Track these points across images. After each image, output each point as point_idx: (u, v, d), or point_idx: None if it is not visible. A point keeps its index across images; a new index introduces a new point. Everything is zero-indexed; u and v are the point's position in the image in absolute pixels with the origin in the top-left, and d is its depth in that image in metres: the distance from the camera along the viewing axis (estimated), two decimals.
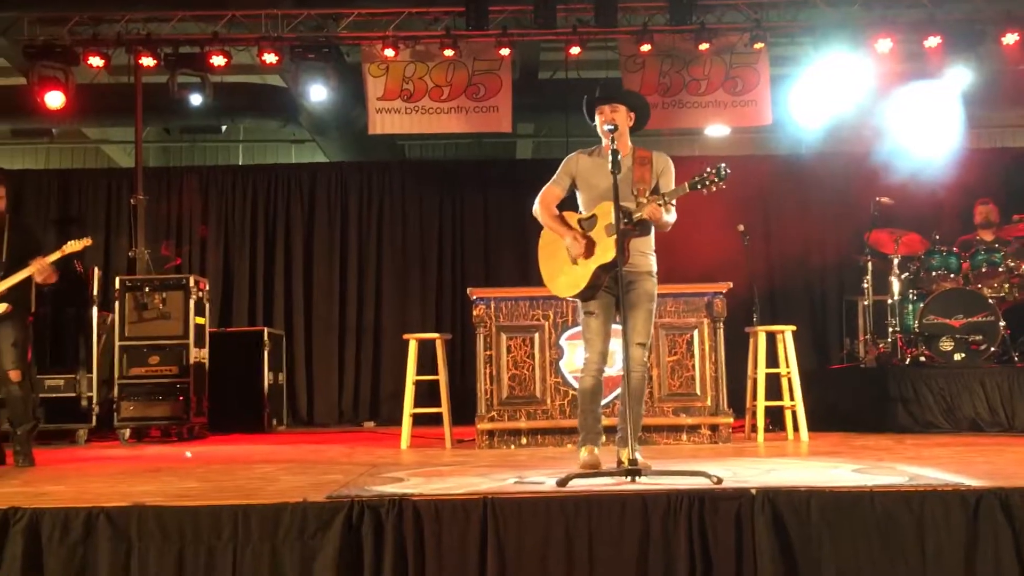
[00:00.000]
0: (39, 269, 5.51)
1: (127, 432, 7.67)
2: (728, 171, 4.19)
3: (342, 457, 5.75)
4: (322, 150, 11.69)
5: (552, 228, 4.56)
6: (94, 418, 7.73)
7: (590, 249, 4.39)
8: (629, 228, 4.33)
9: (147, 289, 7.82)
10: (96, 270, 8.05)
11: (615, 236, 4.21)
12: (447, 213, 10.51)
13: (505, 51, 8.83)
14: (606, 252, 4.34)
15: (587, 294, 4.43)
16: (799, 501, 3.35)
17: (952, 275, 7.64)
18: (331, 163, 11.25)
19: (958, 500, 3.33)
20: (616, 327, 4.45)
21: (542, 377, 6.29)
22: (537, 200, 4.64)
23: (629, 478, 3.78)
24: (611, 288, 4.41)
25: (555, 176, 4.64)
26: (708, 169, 4.23)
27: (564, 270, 4.50)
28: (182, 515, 3.33)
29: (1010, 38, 8.44)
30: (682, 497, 3.36)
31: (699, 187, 4.25)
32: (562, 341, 6.27)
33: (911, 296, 7.71)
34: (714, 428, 6.26)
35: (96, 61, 8.73)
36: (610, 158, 4.13)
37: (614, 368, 5.48)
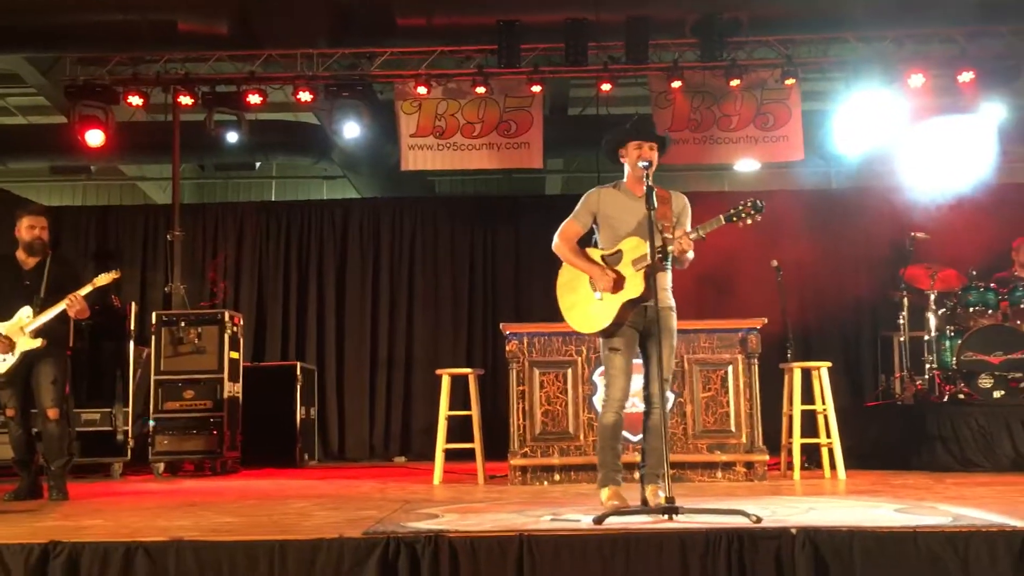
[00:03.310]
0: (71, 303, 5.52)
1: (161, 466, 7.73)
2: (763, 204, 4.20)
3: (375, 493, 5.74)
4: (353, 186, 11.82)
5: (575, 264, 4.53)
6: (129, 452, 7.78)
7: (619, 284, 4.38)
8: (661, 262, 4.33)
9: (183, 324, 7.91)
10: (133, 305, 8.14)
11: (643, 271, 4.23)
12: (478, 248, 10.56)
13: (536, 88, 8.92)
14: (635, 287, 4.34)
15: (612, 330, 4.41)
16: (841, 541, 3.29)
17: (990, 311, 7.54)
18: (363, 199, 11.37)
19: (1004, 541, 3.26)
20: (637, 362, 4.46)
21: (575, 412, 6.25)
22: (557, 236, 4.62)
23: (666, 516, 3.74)
24: (635, 323, 4.41)
25: (575, 212, 4.62)
26: (744, 202, 4.24)
27: (588, 306, 4.47)
28: (219, 550, 3.34)
29: None
30: (720, 536, 3.31)
31: (734, 219, 4.26)
32: (595, 377, 6.24)
33: (948, 332, 7.61)
34: (749, 465, 6.18)
35: (135, 100, 8.92)
36: (646, 195, 4.15)
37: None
